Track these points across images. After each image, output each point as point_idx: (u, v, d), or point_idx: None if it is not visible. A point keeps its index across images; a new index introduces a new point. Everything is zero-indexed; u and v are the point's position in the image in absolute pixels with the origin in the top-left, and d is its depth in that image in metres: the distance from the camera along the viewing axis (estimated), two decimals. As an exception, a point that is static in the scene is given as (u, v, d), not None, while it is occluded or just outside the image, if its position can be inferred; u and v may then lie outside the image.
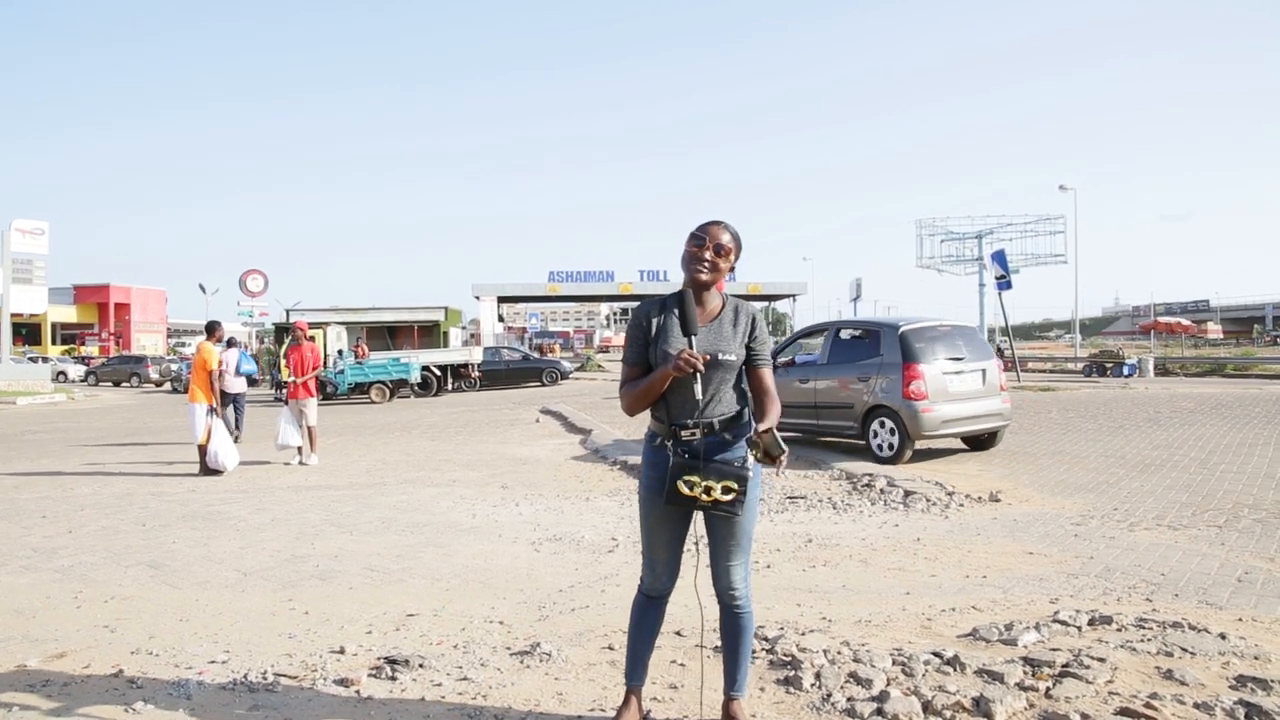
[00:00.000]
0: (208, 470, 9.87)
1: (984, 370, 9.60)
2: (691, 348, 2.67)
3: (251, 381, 15.65)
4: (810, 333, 11.54)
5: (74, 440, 14.87)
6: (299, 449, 10.76)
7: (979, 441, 9.91)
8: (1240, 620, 4.00)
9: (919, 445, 9.35)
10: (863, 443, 9.58)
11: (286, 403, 11.02)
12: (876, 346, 9.57)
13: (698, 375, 2.64)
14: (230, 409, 11.95)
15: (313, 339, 11.95)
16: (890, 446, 9.14)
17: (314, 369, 11.19)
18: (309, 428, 10.90)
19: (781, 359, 10.81)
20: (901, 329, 9.38)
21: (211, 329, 10.58)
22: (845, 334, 10.36)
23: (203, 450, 9.90)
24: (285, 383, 11.19)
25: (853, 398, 9.60)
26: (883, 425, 9.23)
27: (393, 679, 3.50)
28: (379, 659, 3.72)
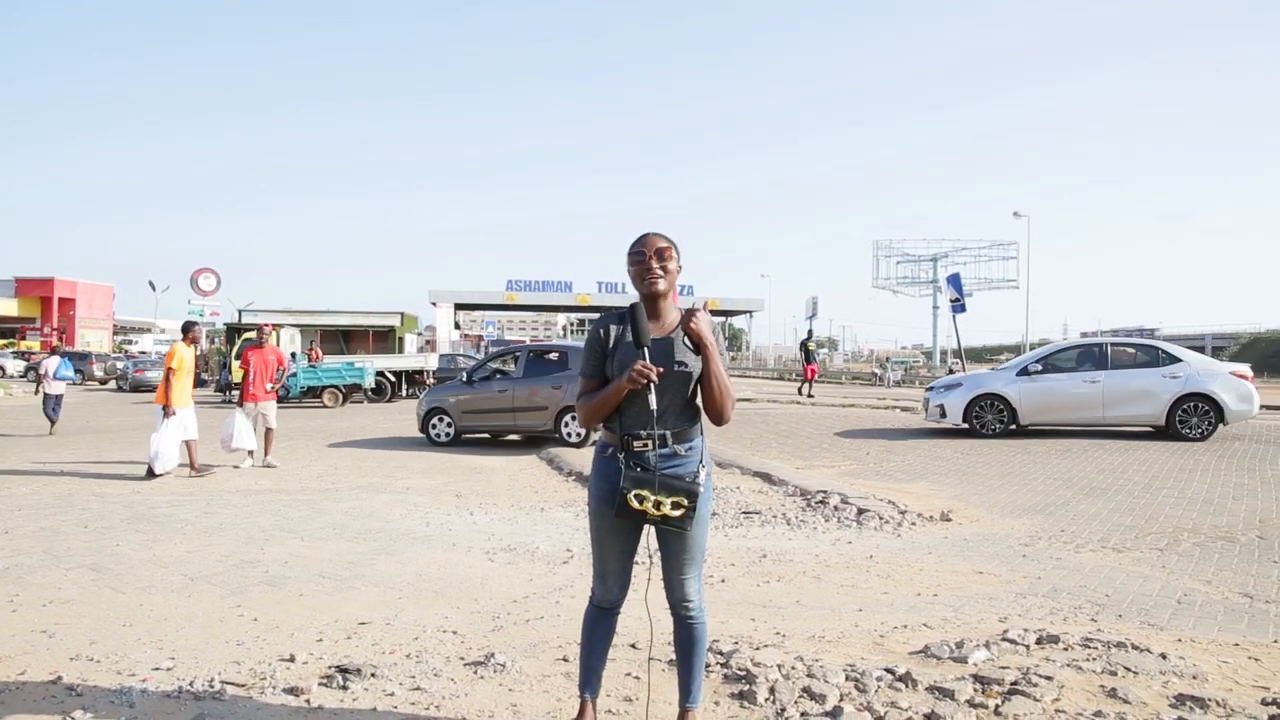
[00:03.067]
0: (204, 467, 9.99)
1: None
2: (645, 359, 2.68)
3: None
4: (501, 355, 14.82)
5: (11, 438, 14.44)
6: (250, 452, 10.57)
7: None
8: (1180, 641, 4.11)
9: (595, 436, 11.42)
10: (556, 435, 12.67)
11: (241, 404, 10.79)
12: (566, 363, 12.94)
13: (651, 386, 2.65)
14: (51, 408, 15.17)
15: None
16: (577, 434, 12.42)
17: (279, 369, 11.09)
18: (268, 430, 10.73)
19: (479, 375, 13.70)
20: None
21: (186, 329, 10.30)
22: (535, 355, 13.64)
23: (188, 448, 9.90)
24: (236, 384, 11.00)
25: (548, 402, 12.67)
26: (574, 419, 12.23)
27: (344, 688, 3.45)
28: (330, 668, 3.66)
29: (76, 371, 37.15)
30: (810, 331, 28.20)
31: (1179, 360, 13.03)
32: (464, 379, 13.73)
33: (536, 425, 12.91)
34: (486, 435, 13.79)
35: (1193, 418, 12.67)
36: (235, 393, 13.68)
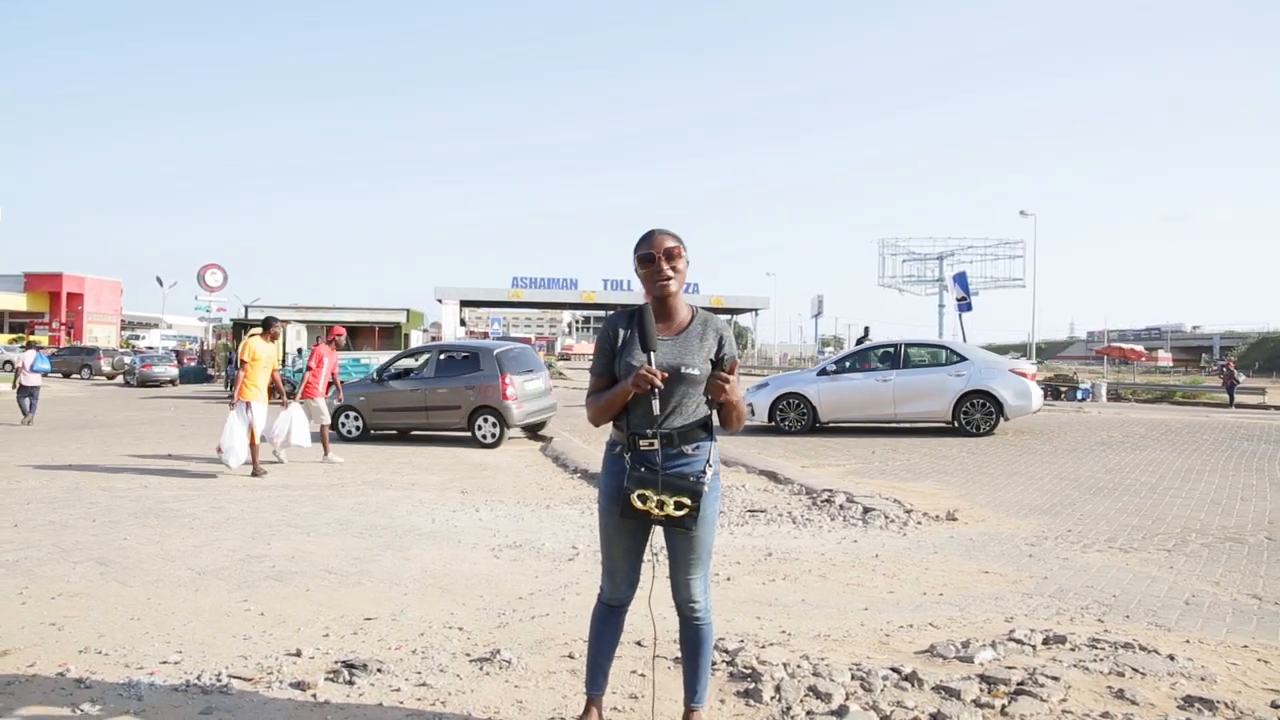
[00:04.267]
0: (255, 470, 9.55)
1: (543, 377, 13.94)
2: (650, 363, 2.67)
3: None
4: (411, 354, 14.95)
5: (20, 431, 14.50)
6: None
7: (536, 426, 13.75)
8: (1188, 642, 4.10)
9: (511, 433, 12.98)
10: (468, 433, 12.75)
11: (300, 400, 10.89)
12: (477, 363, 12.97)
13: (655, 391, 2.63)
14: (28, 400, 16.02)
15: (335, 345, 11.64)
16: (491, 435, 12.57)
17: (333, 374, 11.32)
18: (323, 426, 10.91)
19: (390, 374, 13.73)
20: (495, 351, 13.11)
21: (267, 325, 10.02)
22: (447, 355, 13.81)
23: (254, 449, 9.56)
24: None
25: (460, 401, 12.79)
26: (487, 420, 12.60)
27: (350, 683, 3.46)
28: (336, 663, 3.67)
29: (84, 367, 37.53)
30: (866, 330, 24.64)
31: (964, 359, 13.84)
32: (374, 377, 13.85)
33: (449, 424, 13.06)
34: (394, 432, 13.84)
35: (976, 413, 13.49)
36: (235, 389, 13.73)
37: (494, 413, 12.55)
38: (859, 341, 23.08)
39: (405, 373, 13.80)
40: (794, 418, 14.05)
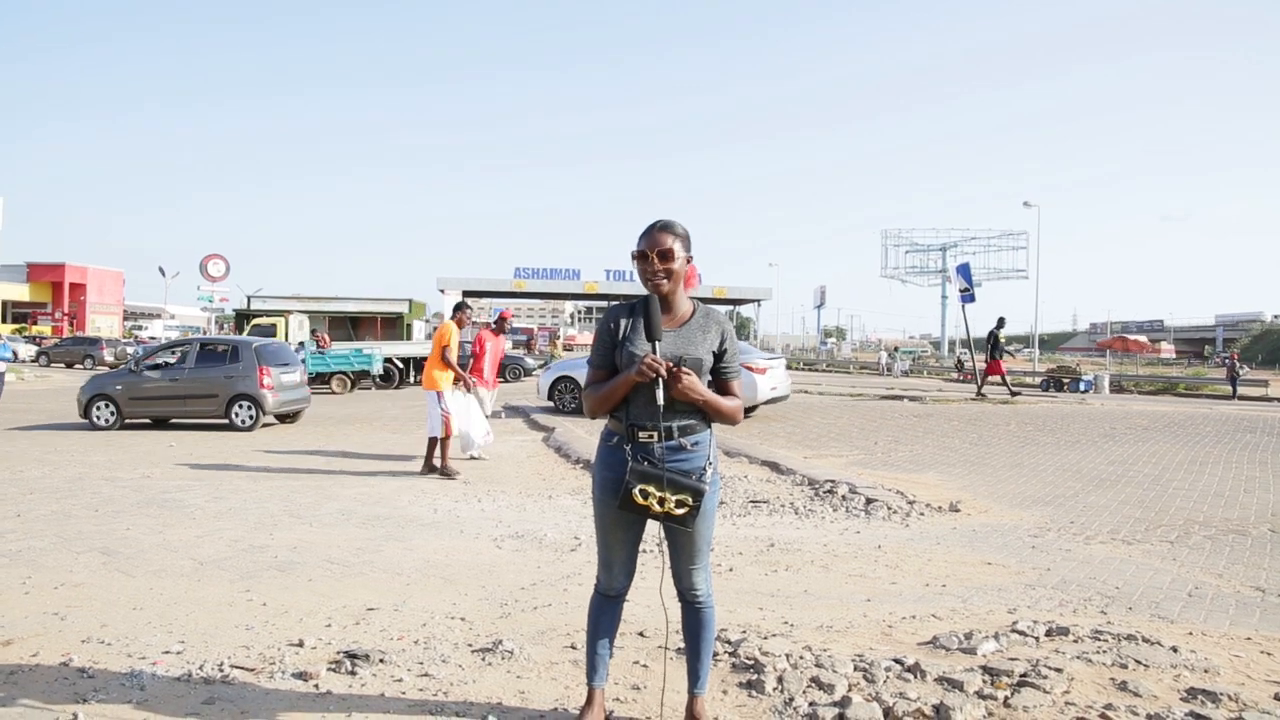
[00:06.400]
0: (432, 467, 9.02)
1: (299, 371, 14.87)
2: (655, 353, 2.66)
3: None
4: (170, 346, 15.64)
5: (23, 422, 14.51)
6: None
7: (291, 415, 14.74)
8: (1191, 634, 4.09)
9: (266, 420, 13.91)
10: (225, 420, 13.56)
11: (468, 389, 9.69)
12: (237, 355, 13.84)
13: (659, 381, 2.62)
14: None
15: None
16: (248, 419, 13.43)
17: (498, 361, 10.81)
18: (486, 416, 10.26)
19: (147, 364, 14.23)
20: (254, 345, 14.15)
21: (458, 308, 9.57)
22: (206, 347, 14.47)
23: (434, 445, 9.05)
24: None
25: (219, 390, 13.57)
26: (243, 406, 13.50)
27: (352, 673, 3.45)
28: (338, 653, 3.67)
29: (86, 357, 37.58)
30: (1001, 320, 20.78)
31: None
32: (131, 367, 14.26)
33: (206, 411, 13.74)
34: (149, 421, 14.11)
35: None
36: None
37: (251, 400, 13.52)
38: (991, 333, 20.65)
39: (164, 364, 14.36)
40: (570, 399, 15.70)
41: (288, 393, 14.21)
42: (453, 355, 9.16)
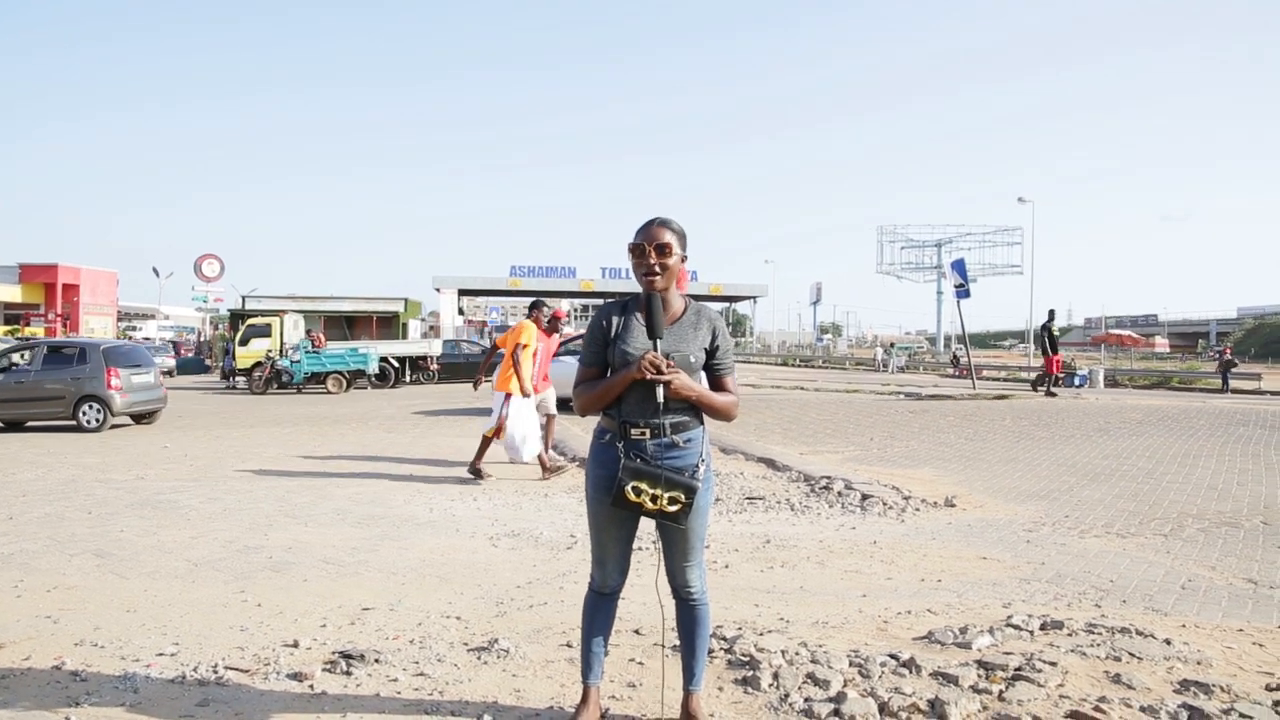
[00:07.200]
0: (477, 472, 8.62)
1: (152, 372, 15.08)
2: (656, 350, 2.66)
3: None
4: (17, 349, 15.41)
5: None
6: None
7: (144, 415, 14.78)
8: (1184, 626, 4.10)
9: (115, 421, 14.04)
10: (74, 421, 13.64)
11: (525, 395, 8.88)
12: (85, 357, 14.09)
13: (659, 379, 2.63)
14: None
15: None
16: (96, 420, 13.60)
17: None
18: (549, 417, 9.62)
19: None
20: (102, 347, 14.52)
21: (535, 306, 9.24)
22: (53, 350, 14.63)
23: (486, 442, 8.72)
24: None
25: (65, 392, 13.74)
26: (91, 407, 13.64)
27: (348, 674, 3.45)
28: (333, 653, 3.66)
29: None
30: (1051, 313, 20.29)
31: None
32: None
33: (52, 413, 13.94)
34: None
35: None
36: (239, 379, 13.48)
37: (99, 401, 13.72)
38: (1044, 326, 20.09)
39: (9, 367, 14.35)
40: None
41: (139, 393, 14.39)
42: (526, 356, 8.67)
